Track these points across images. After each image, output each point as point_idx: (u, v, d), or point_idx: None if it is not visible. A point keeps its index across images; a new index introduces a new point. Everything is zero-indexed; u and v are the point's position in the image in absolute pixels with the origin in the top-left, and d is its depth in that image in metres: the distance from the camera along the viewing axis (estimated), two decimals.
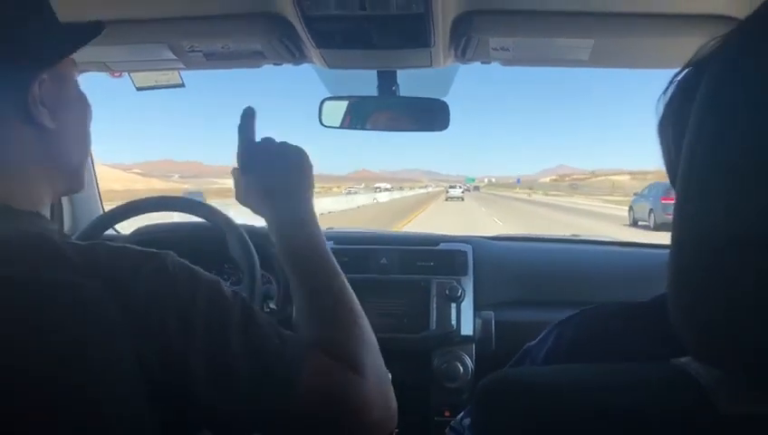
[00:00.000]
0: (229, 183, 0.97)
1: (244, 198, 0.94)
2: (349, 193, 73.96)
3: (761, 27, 0.41)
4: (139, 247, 0.68)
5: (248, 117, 0.94)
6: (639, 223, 19.44)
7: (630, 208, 21.59)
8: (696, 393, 0.45)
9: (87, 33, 0.79)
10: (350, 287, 0.82)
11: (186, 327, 0.62)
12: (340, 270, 0.83)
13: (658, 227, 16.23)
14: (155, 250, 0.67)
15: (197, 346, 0.62)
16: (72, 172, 0.81)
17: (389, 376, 0.76)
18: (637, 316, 0.64)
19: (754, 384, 0.42)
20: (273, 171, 0.91)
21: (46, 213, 0.75)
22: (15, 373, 0.56)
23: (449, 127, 1.53)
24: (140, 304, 0.61)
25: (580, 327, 0.67)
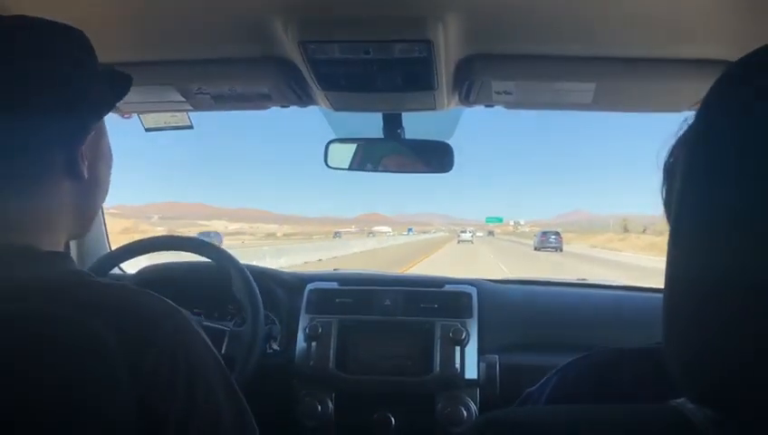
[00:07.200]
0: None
1: None
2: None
3: (741, 79, 0.42)
4: (161, 298, 0.68)
5: None
6: (536, 248, 44.17)
7: (534, 240, 49.40)
8: (691, 434, 0.44)
9: (124, 83, 0.79)
10: None
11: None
12: None
13: (538, 249, 42.89)
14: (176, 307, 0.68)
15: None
16: (89, 219, 0.81)
17: None
18: (636, 361, 0.64)
19: (748, 425, 0.42)
20: None
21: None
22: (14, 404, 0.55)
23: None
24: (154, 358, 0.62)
25: (581, 372, 0.67)
